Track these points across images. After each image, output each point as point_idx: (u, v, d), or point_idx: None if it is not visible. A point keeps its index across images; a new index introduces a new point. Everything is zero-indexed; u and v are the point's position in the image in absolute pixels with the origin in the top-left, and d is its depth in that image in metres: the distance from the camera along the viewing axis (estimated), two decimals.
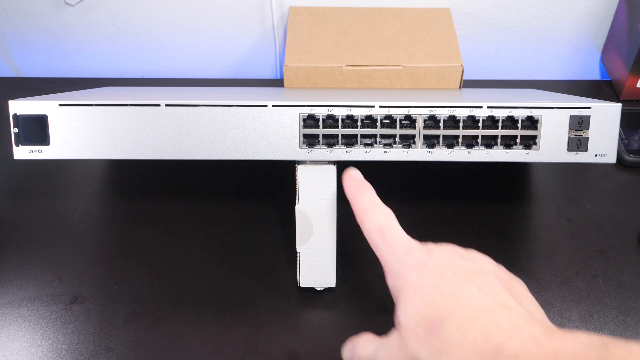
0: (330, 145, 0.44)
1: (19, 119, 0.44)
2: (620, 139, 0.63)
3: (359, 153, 0.45)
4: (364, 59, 0.63)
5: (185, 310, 0.48)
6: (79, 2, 0.72)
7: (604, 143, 0.44)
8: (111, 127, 0.45)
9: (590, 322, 0.47)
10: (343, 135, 0.44)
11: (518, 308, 0.31)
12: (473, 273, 0.33)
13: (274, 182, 0.59)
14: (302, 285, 0.48)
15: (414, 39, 0.66)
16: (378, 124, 0.44)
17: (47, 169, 0.61)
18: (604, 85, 0.74)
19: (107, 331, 0.46)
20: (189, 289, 0.49)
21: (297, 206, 0.45)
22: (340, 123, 0.44)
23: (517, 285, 0.34)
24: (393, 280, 0.35)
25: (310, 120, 0.44)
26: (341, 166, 0.42)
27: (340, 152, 0.44)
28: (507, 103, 0.44)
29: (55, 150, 0.45)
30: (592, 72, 0.79)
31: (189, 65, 0.79)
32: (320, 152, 0.44)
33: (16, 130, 0.45)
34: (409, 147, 0.45)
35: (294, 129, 0.44)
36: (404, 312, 0.32)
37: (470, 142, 0.44)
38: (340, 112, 0.44)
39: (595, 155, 0.45)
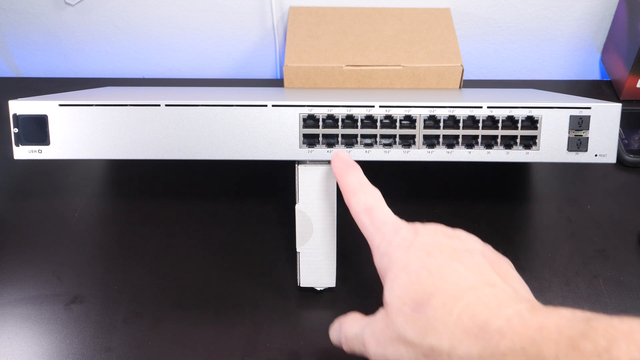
0: (330, 145, 0.44)
1: (19, 119, 0.44)
2: (620, 139, 0.63)
3: (359, 153, 0.45)
4: (364, 59, 0.63)
5: (185, 310, 0.48)
6: (79, 2, 0.72)
7: (604, 143, 0.44)
8: (111, 127, 0.45)
9: None
10: (343, 135, 0.44)
11: (504, 286, 0.31)
12: (459, 252, 0.33)
13: (274, 182, 0.59)
14: (302, 285, 0.48)
15: (414, 39, 0.66)
16: (378, 124, 0.44)
17: (47, 169, 0.61)
18: (604, 85, 0.74)
19: (107, 331, 0.46)
20: (189, 289, 0.49)
21: (297, 206, 0.45)
22: (340, 123, 0.44)
23: (503, 264, 0.34)
24: (380, 259, 0.35)
25: (310, 120, 0.44)
26: None
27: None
28: (507, 103, 0.44)
29: (55, 150, 0.45)
30: (592, 72, 0.79)
31: (189, 65, 0.79)
32: (320, 152, 0.44)
33: (16, 130, 0.45)
34: (409, 147, 0.45)
35: (294, 129, 0.44)
36: (391, 291, 0.33)
37: (470, 142, 0.44)
38: (340, 112, 0.44)
39: (595, 155, 0.45)
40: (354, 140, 0.45)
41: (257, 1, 0.72)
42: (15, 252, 0.52)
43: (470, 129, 0.44)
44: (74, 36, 0.76)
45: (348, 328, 0.37)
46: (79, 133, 0.45)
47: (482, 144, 0.44)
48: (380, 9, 0.71)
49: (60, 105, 0.44)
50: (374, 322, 0.34)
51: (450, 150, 0.45)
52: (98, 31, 0.75)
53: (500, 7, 0.73)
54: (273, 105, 0.44)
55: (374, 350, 0.33)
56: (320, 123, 0.44)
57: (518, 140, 0.44)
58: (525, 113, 0.44)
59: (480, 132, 0.44)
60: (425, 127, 0.44)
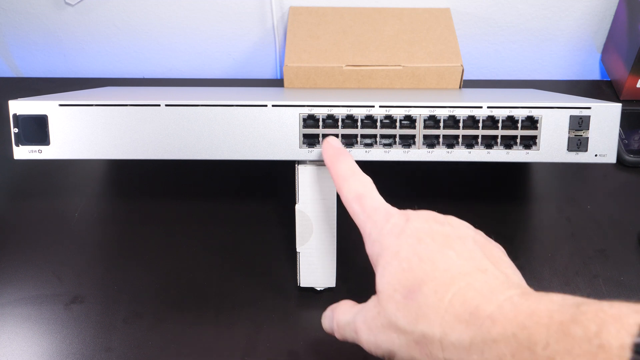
0: None
1: (19, 119, 0.44)
2: (620, 139, 0.63)
3: (359, 153, 0.45)
4: (364, 59, 0.63)
5: (185, 310, 0.48)
6: (79, 2, 0.72)
7: (604, 143, 0.44)
8: (111, 127, 0.45)
9: None
10: (343, 135, 0.44)
11: (495, 272, 0.31)
12: (451, 238, 0.33)
13: (274, 182, 0.59)
14: (302, 285, 0.48)
15: (414, 39, 0.66)
16: (378, 124, 0.44)
17: (47, 169, 0.61)
18: (604, 85, 0.74)
19: (107, 331, 0.46)
20: (189, 289, 0.49)
21: (297, 206, 0.45)
22: (340, 123, 0.44)
23: (495, 250, 0.34)
24: (372, 247, 0.35)
25: (310, 120, 0.44)
26: None
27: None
28: (507, 103, 0.44)
29: (55, 150, 0.45)
30: (592, 72, 0.79)
31: (189, 65, 0.79)
32: (320, 152, 0.44)
33: (16, 130, 0.45)
34: (409, 147, 0.45)
35: (294, 129, 0.44)
36: (382, 278, 0.33)
37: (470, 142, 0.44)
38: (340, 112, 0.44)
39: (595, 155, 0.45)
40: (354, 140, 0.45)
41: (257, 1, 0.72)
42: (15, 252, 0.52)
43: (470, 129, 0.44)
44: (74, 36, 0.76)
45: (340, 315, 0.36)
46: (79, 133, 0.45)
47: (482, 144, 0.44)
48: (380, 9, 0.71)
49: (60, 105, 0.44)
50: (365, 310, 0.34)
51: (450, 150, 0.45)
52: (98, 31, 0.75)
53: (500, 7, 0.73)
54: (273, 105, 0.44)
55: (365, 337, 0.33)
56: (320, 123, 0.44)
57: (518, 140, 0.44)
58: (525, 113, 0.44)
59: (480, 132, 0.44)
60: (425, 127, 0.44)
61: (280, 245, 0.53)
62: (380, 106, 0.44)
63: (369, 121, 0.44)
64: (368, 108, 0.44)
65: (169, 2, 0.72)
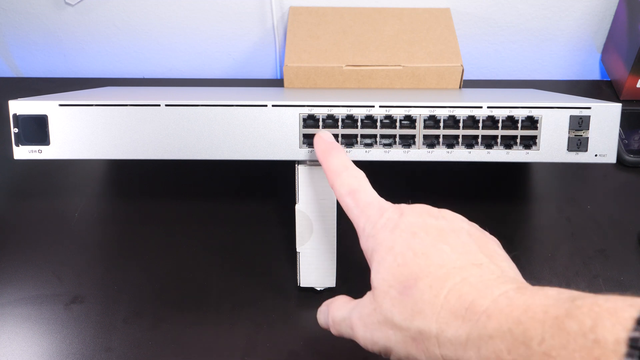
0: None
1: (19, 119, 0.44)
2: (620, 139, 0.63)
3: (359, 153, 0.45)
4: (364, 59, 0.63)
5: (185, 310, 0.48)
6: (79, 2, 0.72)
7: (604, 143, 0.44)
8: (111, 127, 0.45)
9: None
10: (343, 135, 0.44)
11: (490, 265, 0.31)
12: (445, 232, 0.33)
13: (274, 182, 0.59)
14: (302, 285, 0.48)
15: (414, 39, 0.66)
16: (378, 124, 0.44)
17: (47, 169, 0.61)
18: (604, 85, 0.74)
19: (107, 331, 0.46)
20: (189, 289, 0.49)
21: (297, 206, 0.45)
22: (340, 123, 0.44)
23: (490, 243, 0.34)
24: (366, 242, 0.35)
25: (310, 120, 0.44)
26: None
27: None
28: (507, 103, 0.44)
29: (55, 150, 0.45)
30: (592, 72, 0.79)
31: (189, 65, 0.79)
32: None
33: (16, 130, 0.45)
34: (409, 147, 0.45)
35: (294, 129, 0.44)
36: (377, 274, 0.32)
37: (470, 142, 0.44)
38: (340, 112, 0.44)
39: (595, 155, 0.45)
40: (354, 140, 0.45)
41: (257, 1, 0.72)
42: (15, 252, 0.52)
43: (470, 129, 0.44)
44: (74, 36, 0.76)
45: (336, 311, 0.36)
46: (79, 133, 0.45)
47: (482, 144, 0.44)
48: (380, 9, 0.71)
49: (60, 105, 0.44)
50: (361, 306, 0.34)
51: (450, 150, 0.45)
52: (98, 31, 0.75)
53: (500, 7, 0.73)
54: (273, 105, 0.44)
55: (361, 333, 0.33)
56: (320, 123, 0.44)
57: (518, 140, 0.44)
58: (525, 113, 0.44)
59: (480, 132, 0.44)
60: (425, 127, 0.44)
61: (280, 245, 0.53)
62: (380, 106, 0.44)
63: (369, 121, 0.44)
64: (368, 108, 0.44)
65: (169, 2, 0.72)
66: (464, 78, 0.69)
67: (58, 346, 0.45)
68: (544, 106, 0.44)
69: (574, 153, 0.44)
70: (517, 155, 0.45)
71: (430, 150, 0.45)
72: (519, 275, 0.32)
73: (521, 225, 0.55)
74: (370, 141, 0.45)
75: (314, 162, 0.45)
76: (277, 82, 0.78)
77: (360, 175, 0.38)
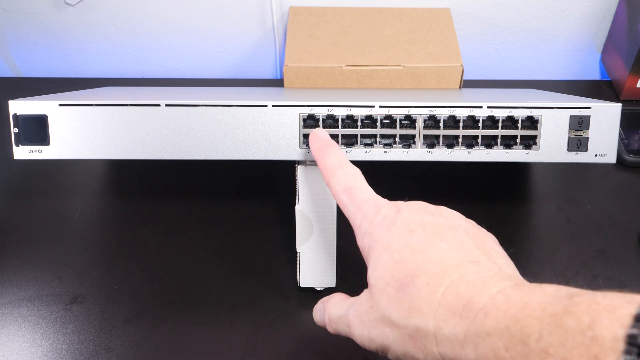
0: None
1: (19, 119, 0.44)
2: (620, 139, 0.63)
3: (359, 153, 0.45)
4: (364, 59, 0.63)
5: (185, 310, 0.48)
6: (79, 2, 0.72)
7: (604, 143, 0.44)
8: (111, 127, 0.45)
9: None
10: (343, 135, 0.44)
11: (488, 263, 0.31)
12: (442, 229, 0.32)
13: (274, 182, 0.59)
14: (302, 285, 0.48)
15: (414, 39, 0.66)
16: (378, 124, 0.44)
17: (47, 169, 0.61)
18: (604, 85, 0.74)
19: (107, 331, 0.46)
20: (189, 289, 0.49)
21: (297, 206, 0.45)
22: (340, 123, 0.44)
23: (487, 240, 0.33)
24: (362, 239, 0.34)
25: (310, 120, 0.44)
26: None
27: (343, 153, 0.44)
28: (507, 103, 0.44)
29: (55, 150, 0.45)
30: (592, 72, 0.79)
31: (189, 65, 0.79)
32: None
33: (16, 130, 0.45)
34: (409, 147, 0.45)
35: (294, 129, 0.44)
36: (374, 271, 0.32)
37: (470, 142, 0.44)
38: (340, 112, 0.44)
39: (595, 155, 0.45)
40: (354, 140, 0.45)
41: (257, 1, 0.72)
42: (15, 252, 0.52)
43: (470, 129, 0.44)
44: (74, 36, 0.76)
45: (332, 309, 0.36)
46: (79, 133, 0.45)
47: (482, 144, 0.44)
48: (380, 9, 0.71)
49: (60, 105, 0.44)
50: (358, 303, 0.33)
51: (450, 150, 0.45)
52: (98, 31, 0.75)
53: (500, 7, 0.73)
54: (273, 105, 0.44)
55: (358, 331, 0.33)
56: (320, 123, 0.44)
57: (518, 140, 0.44)
58: (525, 113, 0.44)
59: (480, 132, 0.44)
60: (425, 127, 0.44)
61: (280, 245, 0.53)
62: (380, 106, 0.44)
63: (369, 121, 0.44)
64: (368, 108, 0.44)
65: (169, 2, 0.72)
66: (464, 78, 0.69)
67: (58, 346, 0.45)
68: (544, 106, 0.44)
69: (574, 153, 0.44)
70: (517, 155, 0.45)
71: (430, 150, 0.45)
72: (516, 272, 0.32)
73: (521, 225, 0.55)
74: (370, 141, 0.45)
75: (314, 162, 0.45)
76: (277, 82, 0.78)
77: (356, 172, 0.38)
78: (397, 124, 0.44)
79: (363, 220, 0.35)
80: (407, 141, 0.45)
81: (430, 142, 0.45)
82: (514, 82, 0.77)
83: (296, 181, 0.45)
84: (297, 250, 0.46)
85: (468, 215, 0.36)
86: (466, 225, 0.34)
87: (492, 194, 0.58)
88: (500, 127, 0.44)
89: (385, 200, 0.36)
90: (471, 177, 0.61)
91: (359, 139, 0.45)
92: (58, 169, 0.61)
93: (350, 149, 0.45)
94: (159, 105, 0.44)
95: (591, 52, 0.77)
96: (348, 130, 0.44)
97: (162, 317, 0.47)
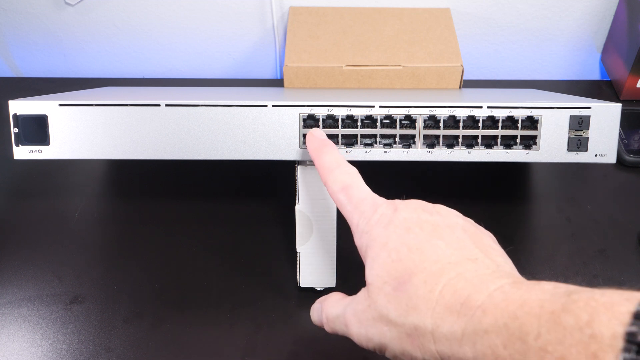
0: None
1: (19, 119, 0.44)
2: (620, 139, 0.63)
3: (359, 153, 0.45)
4: (364, 59, 0.63)
5: (185, 310, 0.48)
6: (79, 2, 0.72)
7: (604, 143, 0.44)
8: (111, 127, 0.45)
9: None
10: (343, 135, 0.44)
11: (485, 260, 0.31)
12: (440, 227, 0.32)
13: (274, 182, 0.59)
14: (302, 285, 0.48)
15: (414, 39, 0.66)
16: (378, 124, 0.44)
17: (47, 169, 0.61)
18: (604, 85, 0.74)
19: (107, 331, 0.46)
20: (189, 289, 0.49)
21: (297, 206, 0.45)
22: (340, 123, 0.44)
23: (485, 238, 0.33)
24: (360, 238, 0.34)
25: (310, 120, 0.44)
26: None
27: (340, 152, 0.44)
28: (507, 103, 0.44)
29: (55, 150, 0.45)
30: (592, 72, 0.79)
31: (189, 65, 0.79)
32: None
33: (16, 130, 0.45)
34: (409, 147, 0.45)
35: (294, 129, 0.44)
36: (371, 270, 0.32)
37: (470, 142, 0.44)
38: (340, 112, 0.44)
39: (595, 155, 0.45)
40: (354, 140, 0.45)
41: (257, 1, 0.72)
42: (15, 252, 0.52)
43: (470, 129, 0.44)
44: (74, 36, 0.76)
45: (329, 308, 0.36)
46: (79, 133, 0.45)
47: (482, 144, 0.44)
48: (380, 9, 0.71)
49: (60, 105, 0.44)
50: (355, 302, 0.33)
51: (450, 150, 0.45)
52: (98, 31, 0.75)
53: (500, 7, 0.73)
54: (273, 105, 0.44)
55: (356, 330, 0.33)
56: (320, 123, 0.44)
57: (518, 140, 0.44)
58: (525, 113, 0.44)
59: (480, 132, 0.44)
60: (425, 127, 0.44)
61: (280, 245, 0.53)
62: (380, 106, 0.44)
63: (369, 121, 0.44)
64: (368, 108, 0.44)
65: (169, 2, 0.72)
66: (464, 78, 0.69)
67: (58, 346, 0.45)
68: (544, 106, 0.44)
69: (574, 153, 0.44)
70: (517, 155, 0.45)
71: (430, 150, 0.45)
72: (514, 269, 0.32)
73: (521, 225, 0.55)
74: (370, 141, 0.45)
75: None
76: (277, 82, 0.78)
77: (353, 171, 0.38)
78: (397, 124, 0.44)
79: (360, 219, 0.35)
80: (407, 141, 0.45)
81: (430, 142, 0.45)
82: (514, 82, 0.77)
83: (296, 181, 0.45)
84: (297, 250, 0.46)
85: (468, 215, 0.36)
86: (464, 224, 0.34)
87: (492, 194, 0.58)
88: (500, 127, 0.44)
89: (382, 199, 0.36)
90: (471, 177, 0.61)
91: (359, 139, 0.45)
92: (58, 169, 0.61)
93: (350, 149, 0.45)
94: (159, 105, 0.44)
95: (591, 52, 0.77)
96: (348, 130, 0.44)
97: (162, 317, 0.47)
